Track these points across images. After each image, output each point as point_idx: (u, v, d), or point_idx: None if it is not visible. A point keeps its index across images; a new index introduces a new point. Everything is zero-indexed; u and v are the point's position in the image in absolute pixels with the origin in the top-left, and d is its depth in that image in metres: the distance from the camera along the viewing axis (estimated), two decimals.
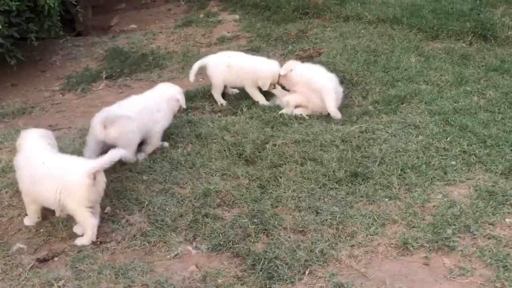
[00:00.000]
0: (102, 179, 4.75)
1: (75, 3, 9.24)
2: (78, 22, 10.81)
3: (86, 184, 4.62)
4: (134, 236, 4.72)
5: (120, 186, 5.37)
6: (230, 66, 7.00)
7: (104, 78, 8.47)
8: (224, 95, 7.18)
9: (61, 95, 8.14)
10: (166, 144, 6.10)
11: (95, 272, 4.32)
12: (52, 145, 5.21)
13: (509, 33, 8.41)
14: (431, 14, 9.29)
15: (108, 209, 5.06)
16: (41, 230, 4.91)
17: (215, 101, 7.07)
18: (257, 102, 6.92)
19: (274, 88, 6.92)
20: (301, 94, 6.58)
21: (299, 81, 6.61)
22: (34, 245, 4.74)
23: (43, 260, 4.56)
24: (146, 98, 6.10)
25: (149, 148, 5.96)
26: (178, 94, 6.22)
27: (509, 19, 8.94)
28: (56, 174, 4.70)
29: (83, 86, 8.30)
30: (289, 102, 6.59)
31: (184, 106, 6.27)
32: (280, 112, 6.57)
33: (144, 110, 5.88)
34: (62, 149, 6.08)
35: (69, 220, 4.95)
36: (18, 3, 7.86)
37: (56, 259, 4.57)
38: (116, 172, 5.60)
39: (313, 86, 6.48)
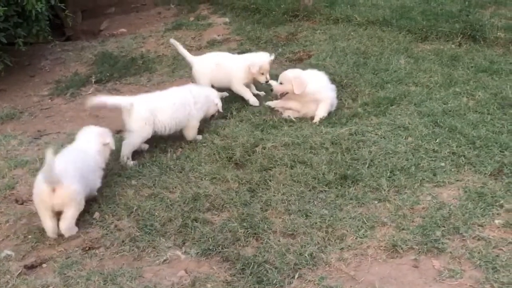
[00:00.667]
0: (62, 191, 4.66)
1: (63, 7, 9.19)
2: (67, 26, 10.77)
3: (40, 190, 4.69)
4: (123, 241, 4.70)
5: (109, 191, 5.35)
6: (219, 65, 7.02)
7: (93, 82, 8.42)
8: None
9: (50, 100, 8.09)
10: (145, 146, 6.12)
11: (83, 279, 4.29)
12: (111, 144, 5.48)
13: (498, 34, 8.43)
14: (420, 15, 9.33)
15: (96, 214, 5.04)
16: (29, 236, 4.88)
17: None
18: (248, 100, 6.91)
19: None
20: (296, 101, 6.56)
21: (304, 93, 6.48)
22: (22, 251, 4.70)
23: (31, 267, 4.52)
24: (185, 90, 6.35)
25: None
26: (216, 98, 6.45)
27: (498, 20, 8.99)
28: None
29: (72, 90, 8.25)
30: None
31: (221, 110, 6.49)
32: (266, 104, 6.68)
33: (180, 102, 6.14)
34: None
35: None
36: (6, 8, 7.81)
37: (44, 265, 4.53)
38: (105, 177, 5.57)
39: (316, 97, 6.45)
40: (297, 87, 6.40)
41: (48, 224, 4.79)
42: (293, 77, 6.46)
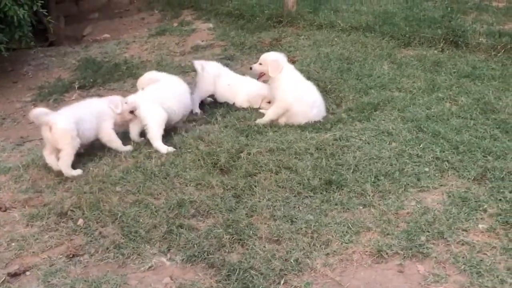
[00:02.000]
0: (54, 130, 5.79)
1: (46, 13, 9.13)
2: (50, 32, 10.71)
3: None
4: (107, 248, 4.66)
5: (93, 197, 5.30)
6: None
7: (76, 88, 8.39)
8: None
9: (33, 106, 7.99)
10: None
11: (67, 286, 4.25)
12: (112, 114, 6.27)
13: (480, 39, 8.52)
14: (403, 21, 9.40)
15: (80, 221, 5.00)
16: (13, 244, 4.83)
17: None
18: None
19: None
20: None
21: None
22: (5, 259, 4.64)
23: (15, 275, 4.46)
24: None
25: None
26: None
27: (480, 26, 9.09)
28: None
29: (56, 96, 8.21)
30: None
31: None
32: (256, 122, 6.61)
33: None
34: (34, 161, 6.06)
35: (40, 234, 4.89)
36: None
37: (28, 273, 4.49)
38: (89, 183, 5.55)
39: (276, 96, 6.60)
40: (272, 69, 6.54)
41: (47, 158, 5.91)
42: (270, 60, 6.61)
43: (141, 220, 4.95)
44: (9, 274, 4.45)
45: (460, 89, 7.04)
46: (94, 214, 5.09)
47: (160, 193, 5.34)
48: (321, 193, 5.17)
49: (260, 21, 10.09)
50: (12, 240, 4.87)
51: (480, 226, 4.61)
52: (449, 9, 9.45)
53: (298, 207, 5.01)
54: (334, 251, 4.46)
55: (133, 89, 8.07)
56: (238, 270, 4.28)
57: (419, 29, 8.95)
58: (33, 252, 4.70)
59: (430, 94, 6.96)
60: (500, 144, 5.73)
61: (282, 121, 6.53)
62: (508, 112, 6.39)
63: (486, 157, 5.53)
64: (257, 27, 9.93)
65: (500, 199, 4.90)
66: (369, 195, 5.08)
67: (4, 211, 5.31)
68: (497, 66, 7.79)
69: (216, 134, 6.29)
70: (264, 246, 4.55)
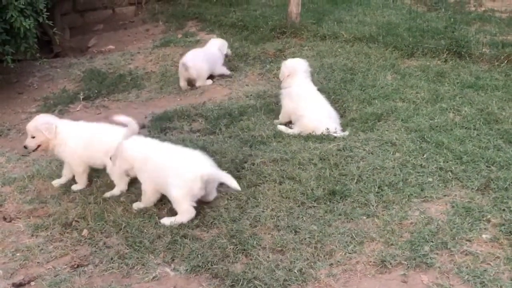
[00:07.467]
0: None
1: (51, 24, 9.19)
2: (55, 43, 10.78)
3: None
4: (112, 258, 4.67)
5: (98, 208, 5.33)
6: None
7: (81, 99, 8.42)
8: None
9: None
10: None
11: None
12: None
13: (483, 50, 8.55)
14: (406, 32, 9.42)
15: (85, 231, 5.02)
16: (18, 254, 4.85)
17: (193, 121, 7.09)
18: None
19: None
20: None
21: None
22: (10, 269, 4.66)
23: (19, 285, 4.48)
24: None
25: None
26: None
27: (483, 37, 9.12)
28: None
29: (61, 107, 8.24)
30: None
31: None
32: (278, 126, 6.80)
33: None
34: (38, 172, 6.08)
35: (45, 244, 4.90)
36: None
37: (32, 283, 4.49)
38: (93, 194, 5.57)
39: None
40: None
41: None
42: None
43: (145, 231, 4.97)
44: (14, 285, 4.47)
45: (463, 100, 7.05)
46: (98, 224, 5.11)
47: (164, 204, 5.35)
48: (324, 203, 5.18)
49: (264, 32, 10.13)
50: (17, 251, 4.89)
51: (483, 236, 4.61)
52: (452, 19, 9.48)
53: (302, 217, 5.02)
54: (338, 261, 4.46)
55: (138, 99, 8.16)
56: (242, 280, 4.28)
57: (422, 40, 8.99)
58: (38, 262, 4.72)
59: (434, 105, 6.97)
60: (503, 154, 5.73)
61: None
62: (511, 122, 6.40)
63: (490, 167, 5.53)
64: (261, 38, 9.97)
65: (504, 209, 4.89)
66: (373, 205, 5.09)
67: (9, 221, 5.34)
68: (501, 76, 7.81)
69: (220, 145, 6.32)
70: (268, 256, 4.55)
